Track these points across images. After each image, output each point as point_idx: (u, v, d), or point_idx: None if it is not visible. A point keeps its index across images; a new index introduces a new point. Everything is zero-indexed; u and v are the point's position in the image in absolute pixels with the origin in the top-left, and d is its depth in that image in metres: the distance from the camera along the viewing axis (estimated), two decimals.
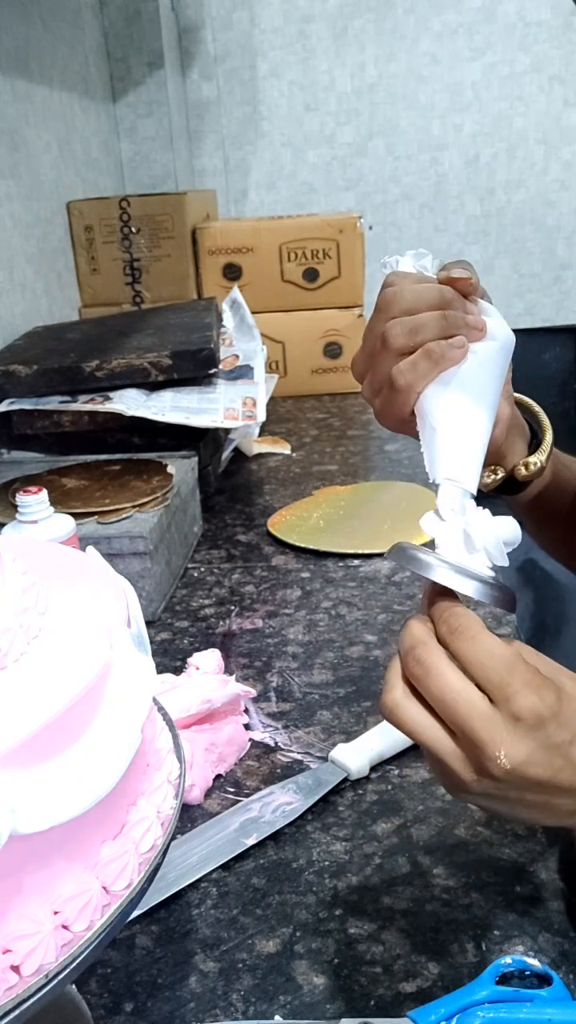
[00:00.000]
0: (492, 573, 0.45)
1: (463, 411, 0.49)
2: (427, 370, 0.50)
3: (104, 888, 0.35)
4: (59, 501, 0.94)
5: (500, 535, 0.45)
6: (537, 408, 0.64)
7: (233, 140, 2.48)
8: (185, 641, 0.90)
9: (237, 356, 1.34)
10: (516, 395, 0.63)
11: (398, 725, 0.42)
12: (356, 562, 1.04)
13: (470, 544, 0.45)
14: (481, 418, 0.50)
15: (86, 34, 1.91)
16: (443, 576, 0.43)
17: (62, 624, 0.40)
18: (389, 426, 0.55)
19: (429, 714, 0.41)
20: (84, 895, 0.34)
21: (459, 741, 0.40)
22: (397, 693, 0.42)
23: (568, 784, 0.40)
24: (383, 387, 0.53)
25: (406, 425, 0.53)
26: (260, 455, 1.47)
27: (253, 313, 1.52)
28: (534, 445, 0.63)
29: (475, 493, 0.48)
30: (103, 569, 0.47)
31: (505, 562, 0.45)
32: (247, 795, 0.67)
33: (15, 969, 0.32)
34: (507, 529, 0.45)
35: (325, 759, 0.69)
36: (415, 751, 0.69)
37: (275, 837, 0.62)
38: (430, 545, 0.46)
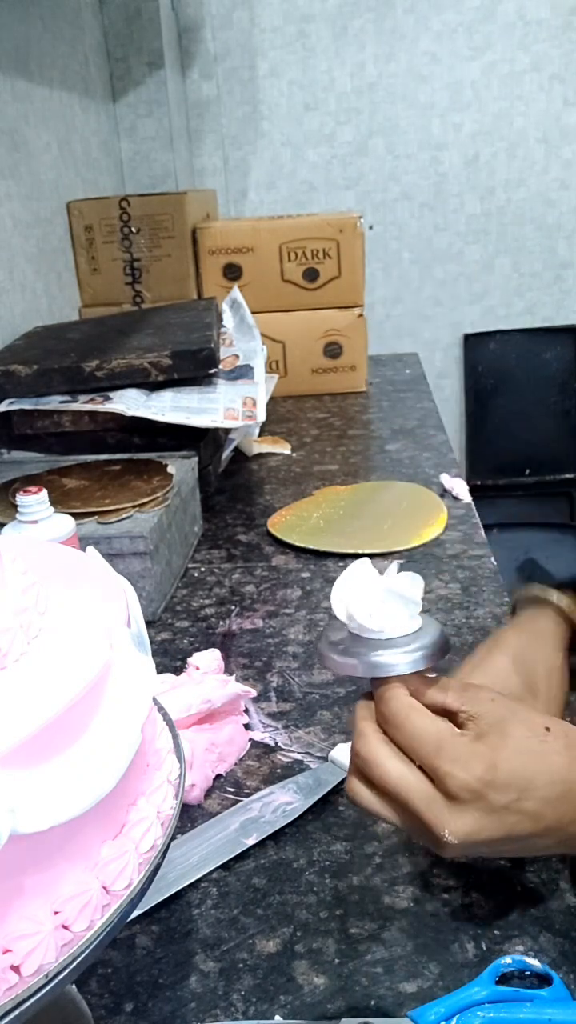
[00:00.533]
0: (415, 627, 0.46)
1: None
2: None
3: (104, 888, 0.35)
4: (59, 501, 0.94)
5: (403, 590, 0.46)
6: None
7: (233, 140, 2.48)
8: (185, 641, 0.90)
9: (237, 356, 1.34)
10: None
11: (361, 809, 0.46)
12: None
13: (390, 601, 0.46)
14: None
15: (86, 34, 1.91)
16: (362, 670, 0.45)
17: (62, 624, 0.40)
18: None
19: (381, 798, 0.45)
20: (84, 895, 0.34)
21: (413, 819, 0.44)
22: (352, 782, 0.46)
23: (531, 831, 0.43)
24: None
25: None
26: (260, 455, 1.47)
27: (253, 313, 1.52)
28: None
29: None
30: (103, 569, 0.47)
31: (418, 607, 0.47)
32: (247, 795, 0.67)
33: (15, 969, 0.32)
34: (409, 582, 0.46)
35: (325, 759, 0.69)
36: None
37: (275, 837, 0.62)
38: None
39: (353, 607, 0.46)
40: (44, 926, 0.33)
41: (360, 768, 0.46)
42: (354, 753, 0.46)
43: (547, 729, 0.45)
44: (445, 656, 0.46)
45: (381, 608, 0.45)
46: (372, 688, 0.46)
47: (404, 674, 0.45)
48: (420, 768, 0.44)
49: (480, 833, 0.43)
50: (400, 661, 0.45)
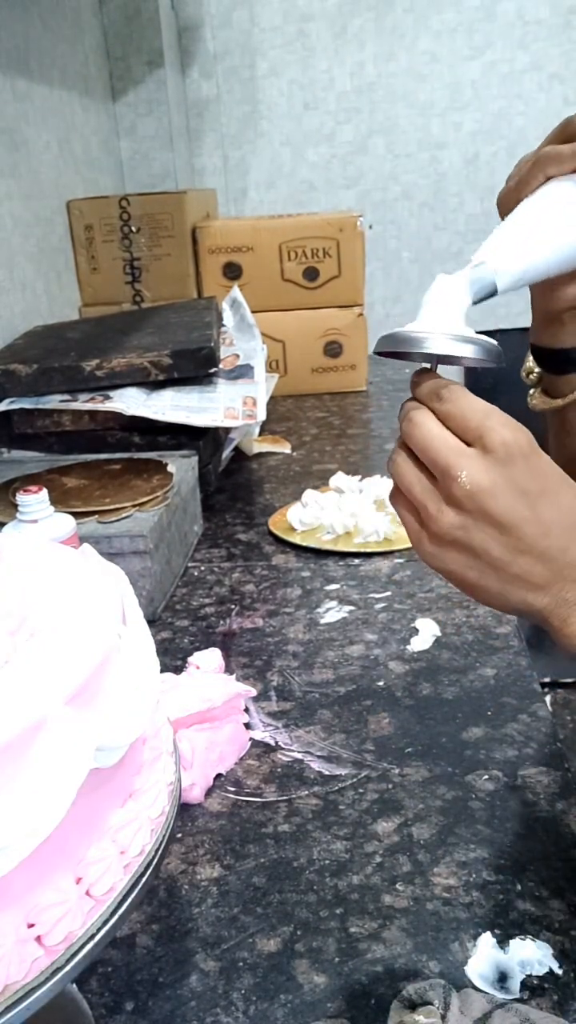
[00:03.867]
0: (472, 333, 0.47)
1: (538, 218, 0.53)
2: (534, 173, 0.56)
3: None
4: (59, 500, 0.94)
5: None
6: None
7: (233, 139, 2.48)
8: (185, 640, 0.90)
9: (237, 355, 1.34)
10: None
11: (391, 475, 0.46)
12: (356, 561, 1.04)
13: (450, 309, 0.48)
14: (551, 233, 0.52)
15: (86, 33, 1.91)
16: (433, 345, 0.46)
17: (59, 624, 0.40)
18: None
19: (414, 464, 0.45)
20: (104, 861, 0.36)
21: (434, 481, 0.44)
22: (395, 452, 0.47)
23: (531, 541, 0.42)
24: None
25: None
26: (260, 454, 1.47)
27: (253, 312, 1.52)
28: None
29: (496, 291, 0.52)
30: (101, 568, 0.47)
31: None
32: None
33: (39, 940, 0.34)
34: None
35: (326, 758, 0.69)
36: (416, 754, 0.69)
37: (276, 836, 0.62)
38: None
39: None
40: (69, 895, 0.34)
41: (406, 432, 0.45)
42: (404, 421, 0.46)
43: None
44: (501, 362, 0.47)
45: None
46: (420, 382, 0.47)
47: (472, 357, 0.46)
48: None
49: (490, 497, 0.42)
50: (466, 351, 0.46)
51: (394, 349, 0.47)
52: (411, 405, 0.46)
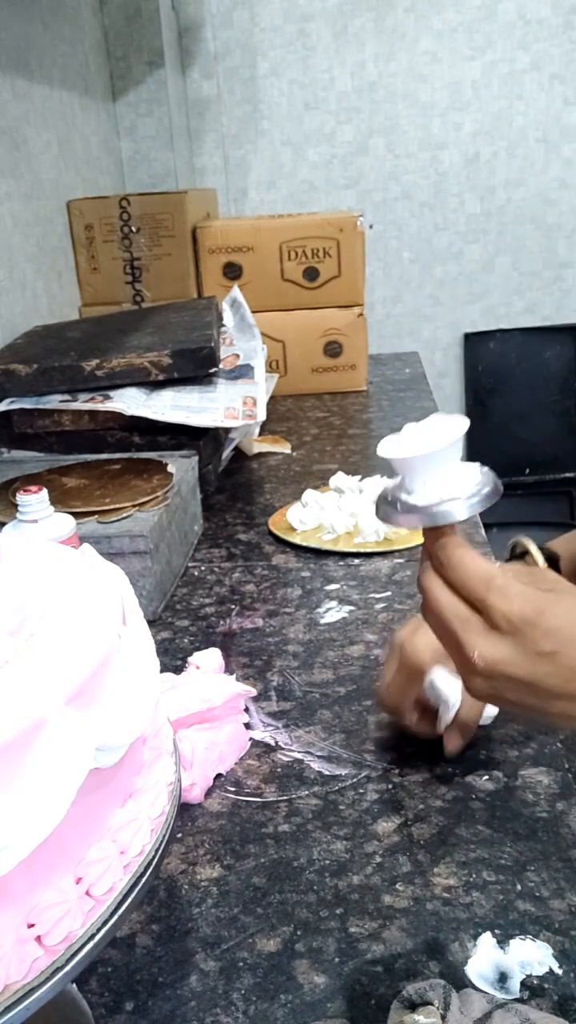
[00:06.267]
0: (476, 480, 0.47)
1: None
2: None
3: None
4: (59, 500, 0.94)
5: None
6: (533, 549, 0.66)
7: (233, 139, 2.48)
8: (186, 640, 0.90)
9: (237, 355, 1.34)
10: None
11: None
12: (356, 561, 1.04)
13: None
14: None
15: (86, 33, 1.91)
16: (423, 520, 0.47)
17: (59, 624, 0.40)
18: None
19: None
20: (104, 861, 0.36)
21: (452, 641, 0.46)
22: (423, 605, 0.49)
23: (559, 689, 0.44)
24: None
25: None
26: (260, 454, 1.47)
27: (253, 312, 1.52)
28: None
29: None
30: (101, 568, 0.47)
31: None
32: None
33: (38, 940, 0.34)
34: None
35: (326, 758, 0.69)
36: (416, 751, 0.69)
37: (276, 836, 0.62)
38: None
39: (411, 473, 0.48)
40: (69, 895, 0.34)
41: (423, 601, 0.48)
42: (418, 587, 0.48)
43: None
44: (497, 497, 0.47)
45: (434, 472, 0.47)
46: (427, 542, 0.48)
47: (460, 520, 0.47)
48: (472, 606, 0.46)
49: (507, 666, 0.44)
50: (456, 509, 0.46)
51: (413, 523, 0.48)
52: (424, 569, 0.48)
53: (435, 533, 0.47)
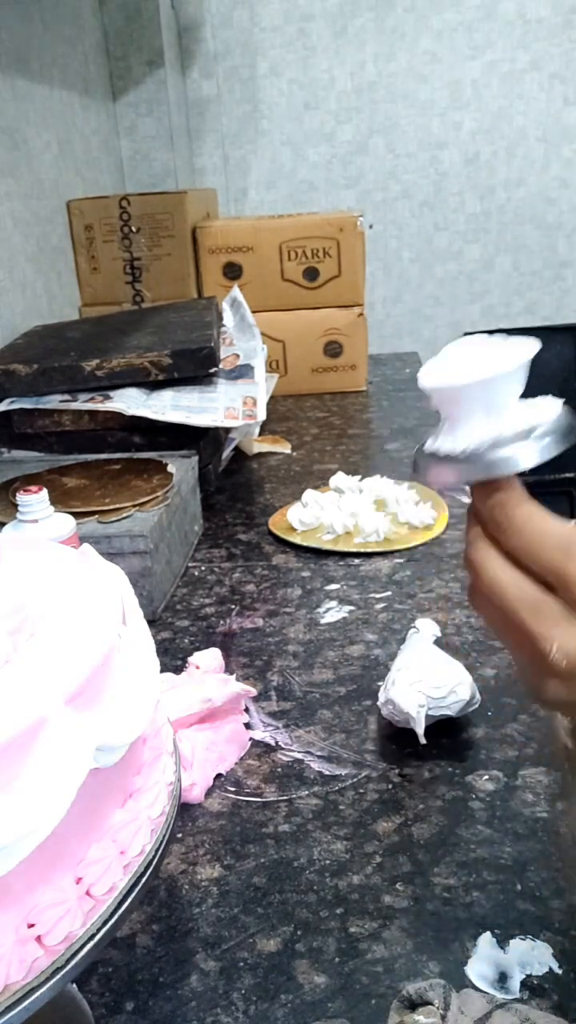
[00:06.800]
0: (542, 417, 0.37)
1: None
2: None
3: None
4: (59, 500, 0.94)
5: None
6: None
7: (233, 138, 2.48)
8: (186, 640, 0.90)
9: (237, 355, 1.34)
10: None
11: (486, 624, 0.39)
12: (356, 561, 1.04)
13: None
14: None
15: (86, 33, 1.91)
16: (475, 472, 0.36)
17: (59, 624, 0.40)
18: None
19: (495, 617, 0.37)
20: (104, 861, 0.36)
21: (520, 635, 0.36)
22: (473, 599, 0.38)
23: None
24: None
25: None
26: (260, 454, 1.47)
27: (253, 312, 1.52)
28: None
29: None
30: (101, 568, 0.47)
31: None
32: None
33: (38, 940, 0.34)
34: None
35: (326, 758, 0.69)
36: (415, 753, 0.69)
37: (276, 836, 0.62)
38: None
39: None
40: (69, 894, 0.34)
41: (472, 582, 0.38)
42: (466, 564, 0.38)
43: None
44: (574, 437, 0.36)
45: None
46: (476, 502, 0.38)
47: (526, 469, 0.36)
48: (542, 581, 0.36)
49: None
50: (521, 454, 0.35)
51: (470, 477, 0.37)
52: (473, 538, 0.37)
53: (488, 489, 0.37)
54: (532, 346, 0.36)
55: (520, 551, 0.36)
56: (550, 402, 0.37)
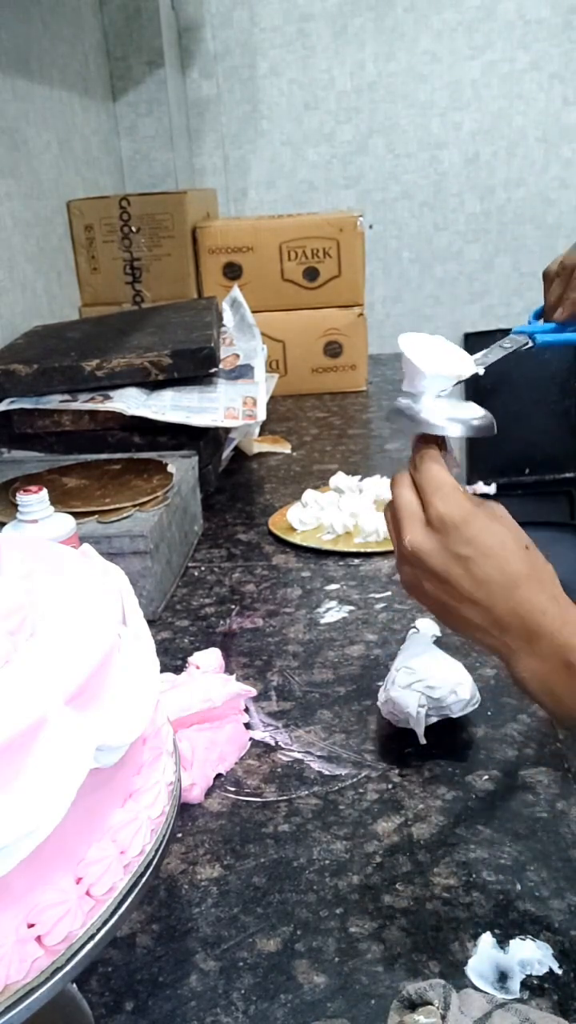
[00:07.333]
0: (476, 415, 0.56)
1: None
2: None
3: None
4: (59, 500, 0.94)
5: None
6: None
7: (233, 139, 2.48)
8: (186, 640, 0.90)
9: (237, 355, 1.34)
10: None
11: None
12: (356, 561, 1.04)
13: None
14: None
15: (86, 33, 1.91)
16: (426, 424, 0.55)
17: (59, 624, 0.40)
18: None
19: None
20: (104, 861, 0.36)
21: (394, 535, 0.54)
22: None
23: (467, 592, 0.50)
24: None
25: None
26: (260, 454, 1.47)
27: (253, 312, 1.52)
28: None
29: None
30: (101, 568, 0.47)
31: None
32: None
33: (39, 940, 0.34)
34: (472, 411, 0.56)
35: (326, 758, 0.69)
36: (414, 754, 0.69)
37: (276, 836, 0.62)
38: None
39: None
40: (69, 894, 0.34)
41: (391, 492, 0.55)
42: (391, 484, 0.55)
43: (527, 548, 0.51)
44: (490, 434, 0.55)
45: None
46: (414, 449, 0.55)
47: (447, 435, 0.54)
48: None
49: (428, 556, 0.50)
50: (450, 427, 0.55)
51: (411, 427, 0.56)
52: (398, 470, 0.56)
53: (422, 441, 0.54)
54: (464, 374, 0.58)
55: (416, 482, 0.53)
56: (478, 408, 0.56)
